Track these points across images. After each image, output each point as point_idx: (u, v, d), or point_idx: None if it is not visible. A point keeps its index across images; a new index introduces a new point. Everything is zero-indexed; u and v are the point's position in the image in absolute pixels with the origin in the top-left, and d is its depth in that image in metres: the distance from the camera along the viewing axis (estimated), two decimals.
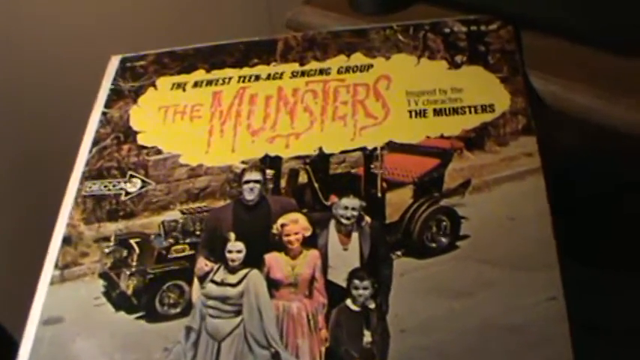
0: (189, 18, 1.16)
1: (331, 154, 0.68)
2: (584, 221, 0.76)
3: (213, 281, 0.62)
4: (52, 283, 0.65)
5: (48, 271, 0.66)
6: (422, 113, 0.68)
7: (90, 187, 0.70)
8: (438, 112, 0.68)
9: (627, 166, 0.77)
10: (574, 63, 0.69)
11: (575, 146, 0.77)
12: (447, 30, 0.74)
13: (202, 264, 0.63)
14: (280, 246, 0.62)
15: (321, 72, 0.74)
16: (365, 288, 0.60)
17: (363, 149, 0.67)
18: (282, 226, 0.63)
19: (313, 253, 0.62)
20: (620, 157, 0.76)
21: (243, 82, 0.75)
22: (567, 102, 0.68)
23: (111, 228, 0.67)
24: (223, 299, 0.61)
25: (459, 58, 0.72)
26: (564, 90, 0.68)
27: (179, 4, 1.16)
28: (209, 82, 0.75)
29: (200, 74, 0.76)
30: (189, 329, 0.61)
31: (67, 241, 0.67)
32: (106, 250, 0.66)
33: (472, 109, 0.67)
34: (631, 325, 0.73)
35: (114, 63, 0.79)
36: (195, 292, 0.62)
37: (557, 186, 0.63)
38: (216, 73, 0.76)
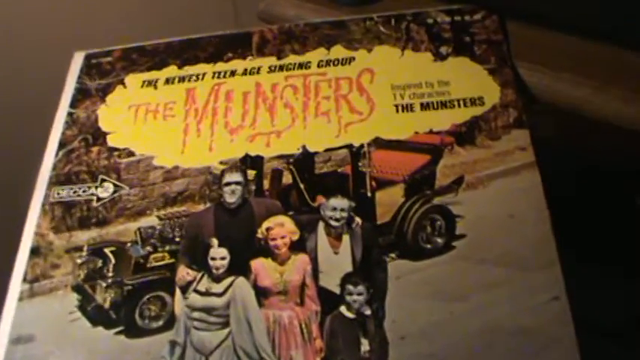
0: (149, 9, 1.12)
1: (316, 153, 0.65)
2: (570, 217, 0.75)
3: (196, 291, 0.59)
4: (20, 298, 0.61)
5: (16, 285, 0.62)
6: (409, 107, 0.66)
7: (58, 193, 0.66)
8: (425, 106, 0.65)
9: (608, 158, 0.75)
10: (562, 53, 0.67)
11: (555, 138, 0.76)
12: (430, 20, 0.71)
13: (184, 273, 0.60)
14: (266, 251, 0.59)
15: (301, 66, 0.70)
16: (359, 293, 0.57)
17: (349, 147, 0.64)
18: (268, 229, 0.60)
19: (302, 258, 0.59)
20: (604, 149, 0.75)
21: (218, 77, 0.71)
22: (556, 93, 0.67)
23: (83, 237, 0.63)
24: (209, 310, 0.58)
25: (444, 50, 0.69)
26: (553, 81, 0.67)
27: None
28: (182, 79, 0.72)
29: (172, 70, 0.73)
30: (173, 344, 0.57)
31: (35, 252, 0.63)
32: (79, 261, 0.62)
33: (461, 103, 0.65)
34: (621, 320, 0.72)
35: (78, 60, 0.75)
36: (178, 303, 0.59)
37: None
38: (188, 69, 0.72)
